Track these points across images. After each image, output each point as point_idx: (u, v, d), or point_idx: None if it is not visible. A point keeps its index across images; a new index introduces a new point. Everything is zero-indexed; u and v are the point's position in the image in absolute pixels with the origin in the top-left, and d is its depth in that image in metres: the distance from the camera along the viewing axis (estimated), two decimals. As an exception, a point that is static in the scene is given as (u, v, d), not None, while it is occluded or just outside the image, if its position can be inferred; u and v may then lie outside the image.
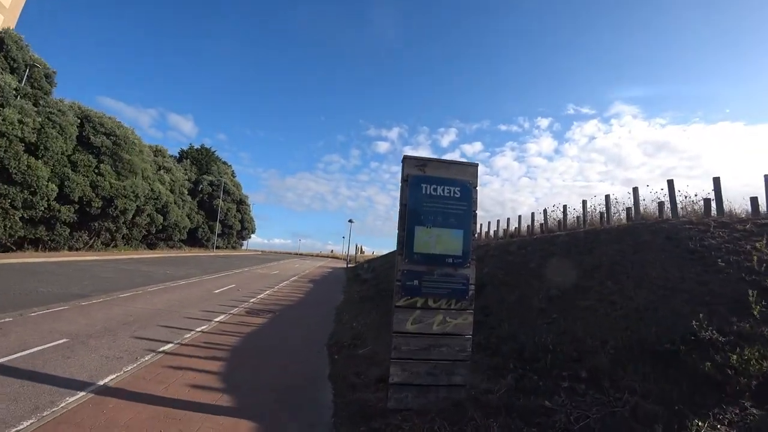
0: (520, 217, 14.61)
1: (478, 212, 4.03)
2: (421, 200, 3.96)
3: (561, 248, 8.06)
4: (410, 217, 3.92)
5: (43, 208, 21.39)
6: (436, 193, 3.99)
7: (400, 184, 4.08)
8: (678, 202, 8.11)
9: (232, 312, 9.63)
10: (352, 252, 47.68)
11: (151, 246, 35.27)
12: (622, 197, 10.97)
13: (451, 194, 4.01)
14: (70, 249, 24.84)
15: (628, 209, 9.42)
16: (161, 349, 6.27)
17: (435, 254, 3.89)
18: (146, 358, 5.76)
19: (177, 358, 5.93)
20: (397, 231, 3.96)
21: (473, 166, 4.15)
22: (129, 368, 5.28)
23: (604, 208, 10.35)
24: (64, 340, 6.23)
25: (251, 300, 11.79)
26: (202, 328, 7.85)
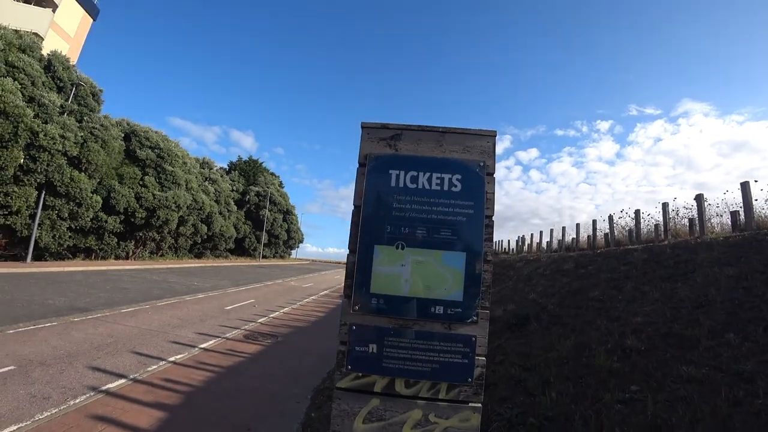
0: (578, 225, 11.94)
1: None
2: (387, 198, 2.21)
3: (637, 270, 5.82)
4: (367, 229, 2.19)
5: (89, 219, 22.02)
6: (416, 185, 2.22)
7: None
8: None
9: (227, 336, 8.33)
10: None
11: (198, 256, 35.97)
12: (713, 201, 8.32)
13: (445, 187, 2.22)
14: (117, 258, 25.53)
15: (733, 213, 6.80)
16: (107, 386, 5.12)
17: (410, 298, 2.11)
18: (78, 400, 4.62)
19: (114, 402, 4.72)
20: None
21: (486, 137, 2.32)
22: (42, 416, 4.16)
23: (696, 213, 7.75)
24: (10, 368, 5.40)
25: (260, 320, 10.48)
26: (178, 357, 6.61)
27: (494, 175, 2.27)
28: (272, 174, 53.37)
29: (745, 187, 6.56)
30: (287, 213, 52.54)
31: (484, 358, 2.09)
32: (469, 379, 2.05)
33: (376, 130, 2.33)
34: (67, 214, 20.57)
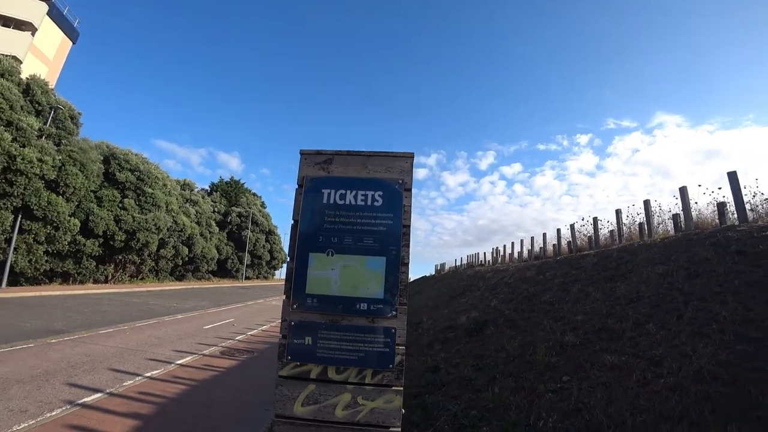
0: (544, 235, 12.47)
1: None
2: (320, 213, 2.58)
3: (586, 273, 6.28)
4: (303, 240, 2.55)
5: (67, 242, 21.75)
6: (344, 201, 2.61)
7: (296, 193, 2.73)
8: (747, 201, 6.06)
9: (204, 352, 8.47)
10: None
11: (180, 278, 35.49)
12: (670, 204, 8.96)
13: (369, 202, 2.61)
14: (95, 282, 25.13)
15: (674, 216, 7.40)
16: (83, 400, 5.28)
17: (339, 297, 2.47)
18: (55, 413, 4.79)
19: (90, 414, 4.89)
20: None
21: (405, 158, 2.73)
22: (20, 427, 4.36)
23: (644, 218, 8.34)
24: (-14, 386, 5.44)
25: (238, 337, 10.62)
26: (154, 372, 6.77)
27: (411, 191, 2.66)
28: (254, 194, 53.33)
29: (683, 192, 7.13)
30: (270, 233, 52.34)
31: (403, 347, 2.45)
32: (391, 366, 2.40)
33: (312, 156, 2.71)
34: (43, 238, 20.32)
